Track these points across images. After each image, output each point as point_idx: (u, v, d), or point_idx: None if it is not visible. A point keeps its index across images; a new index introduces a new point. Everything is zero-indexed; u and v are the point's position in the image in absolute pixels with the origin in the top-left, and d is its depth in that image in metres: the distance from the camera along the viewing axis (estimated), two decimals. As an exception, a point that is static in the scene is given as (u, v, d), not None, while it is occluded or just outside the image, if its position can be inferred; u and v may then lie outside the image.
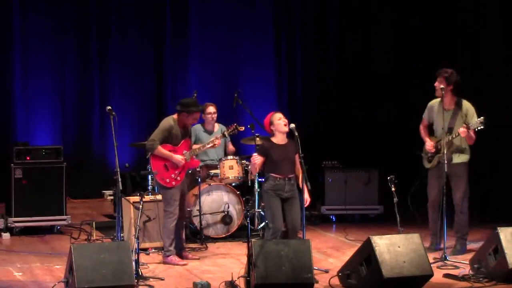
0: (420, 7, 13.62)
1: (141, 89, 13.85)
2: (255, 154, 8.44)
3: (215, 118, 10.54)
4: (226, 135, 9.62)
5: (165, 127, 8.84)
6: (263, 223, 10.00)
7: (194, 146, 9.48)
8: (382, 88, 13.75)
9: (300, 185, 8.41)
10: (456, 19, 13.02)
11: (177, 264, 8.77)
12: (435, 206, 9.31)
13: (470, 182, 9.43)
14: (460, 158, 9.29)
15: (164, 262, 8.83)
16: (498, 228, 7.92)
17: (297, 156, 8.37)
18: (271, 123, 8.44)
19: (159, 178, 8.80)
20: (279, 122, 8.39)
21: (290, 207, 8.37)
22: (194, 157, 9.13)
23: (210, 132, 10.49)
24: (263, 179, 10.59)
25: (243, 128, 9.90)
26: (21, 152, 10.36)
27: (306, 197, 8.29)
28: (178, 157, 8.84)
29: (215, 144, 9.38)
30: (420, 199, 9.66)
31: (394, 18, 13.80)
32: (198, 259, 9.05)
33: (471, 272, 8.06)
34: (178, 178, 8.86)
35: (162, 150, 8.79)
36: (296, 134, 8.39)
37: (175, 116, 8.92)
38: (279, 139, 8.41)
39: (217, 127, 10.64)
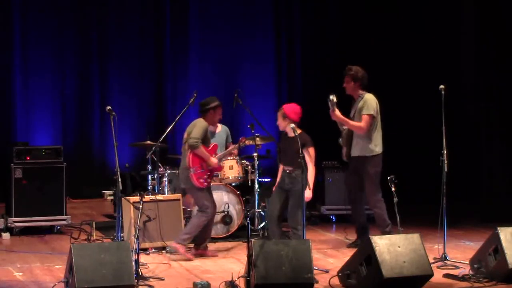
0: (420, 4, 13.61)
1: (141, 89, 13.86)
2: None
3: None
4: (241, 146, 9.92)
5: (205, 127, 8.96)
6: (263, 223, 10.02)
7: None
8: (382, 86, 13.74)
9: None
10: (456, 15, 13.03)
11: (183, 254, 8.86)
12: (352, 199, 9.61)
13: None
14: (354, 151, 9.43)
15: (172, 247, 8.93)
16: (498, 228, 7.92)
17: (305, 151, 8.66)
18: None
19: (196, 177, 8.84)
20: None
21: (288, 200, 8.88)
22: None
23: (212, 133, 10.48)
24: (263, 179, 10.70)
25: (250, 142, 10.26)
26: (21, 152, 10.36)
27: (307, 195, 8.59)
28: (214, 160, 8.97)
29: (232, 153, 9.94)
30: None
31: (394, 15, 13.79)
32: (217, 256, 9.12)
33: (471, 272, 8.05)
34: (209, 180, 9.01)
35: (203, 149, 8.88)
36: (296, 134, 8.43)
37: (201, 119, 9.01)
38: (291, 132, 8.80)
39: (220, 127, 10.63)
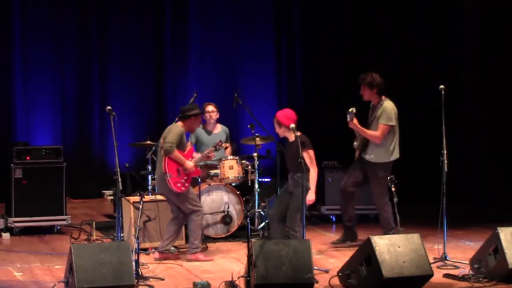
0: (420, 3, 13.61)
1: (141, 89, 13.86)
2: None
3: (214, 117, 10.53)
4: (217, 149, 9.64)
5: (180, 132, 8.91)
6: (263, 223, 10.03)
7: (194, 155, 9.52)
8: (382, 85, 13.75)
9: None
10: (456, 11, 13.03)
11: (203, 261, 8.85)
12: (344, 195, 9.65)
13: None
14: (368, 156, 9.45)
15: (188, 259, 8.87)
16: (498, 228, 7.92)
17: (304, 153, 8.54)
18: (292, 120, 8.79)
19: (173, 182, 8.81)
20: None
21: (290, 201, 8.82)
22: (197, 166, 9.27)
23: (210, 133, 10.48)
24: (263, 179, 10.70)
25: (227, 144, 10.30)
26: (21, 152, 10.36)
27: (309, 197, 8.66)
28: (190, 163, 8.92)
29: (209, 157, 9.53)
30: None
31: (394, 15, 13.77)
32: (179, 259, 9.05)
33: (471, 272, 8.05)
34: (186, 184, 8.91)
35: (178, 154, 8.84)
36: (296, 134, 8.44)
37: (180, 123, 8.99)
38: (291, 136, 8.78)
39: (219, 127, 10.62)
